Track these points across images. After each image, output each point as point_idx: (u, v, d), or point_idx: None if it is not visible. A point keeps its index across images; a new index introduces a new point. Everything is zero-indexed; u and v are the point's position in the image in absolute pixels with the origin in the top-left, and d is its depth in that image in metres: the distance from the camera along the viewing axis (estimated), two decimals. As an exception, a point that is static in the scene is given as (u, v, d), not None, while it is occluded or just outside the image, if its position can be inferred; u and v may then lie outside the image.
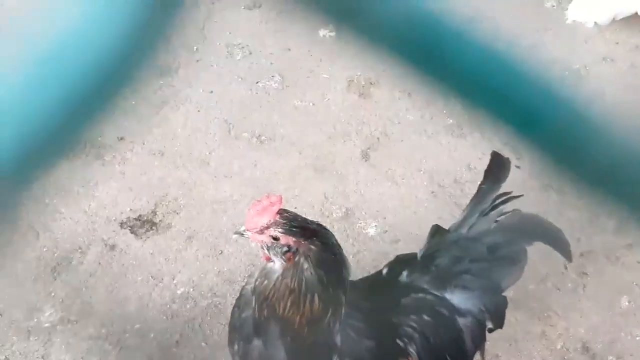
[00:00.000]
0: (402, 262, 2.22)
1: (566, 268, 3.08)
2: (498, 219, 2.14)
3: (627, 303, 3.01)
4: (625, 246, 3.17)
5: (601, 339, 2.90)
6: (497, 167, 2.17)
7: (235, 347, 2.03)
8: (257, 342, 1.94)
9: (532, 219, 2.20)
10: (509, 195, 2.14)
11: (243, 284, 2.09)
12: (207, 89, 3.77)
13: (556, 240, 2.21)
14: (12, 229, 3.16)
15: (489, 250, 2.14)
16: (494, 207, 2.13)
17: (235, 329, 2.02)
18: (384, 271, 2.22)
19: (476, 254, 2.15)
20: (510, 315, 2.92)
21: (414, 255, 2.20)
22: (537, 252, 3.10)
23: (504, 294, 2.26)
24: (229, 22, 4.08)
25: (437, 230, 2.20)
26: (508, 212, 2.15)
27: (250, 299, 1.94)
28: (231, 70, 3.88)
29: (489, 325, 2.24)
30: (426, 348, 2.09)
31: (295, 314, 1.84)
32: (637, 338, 2.92)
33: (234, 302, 2.09)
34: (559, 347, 2.87)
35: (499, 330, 2.85)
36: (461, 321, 2.17)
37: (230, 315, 2.08)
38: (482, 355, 2.26)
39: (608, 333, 2.92)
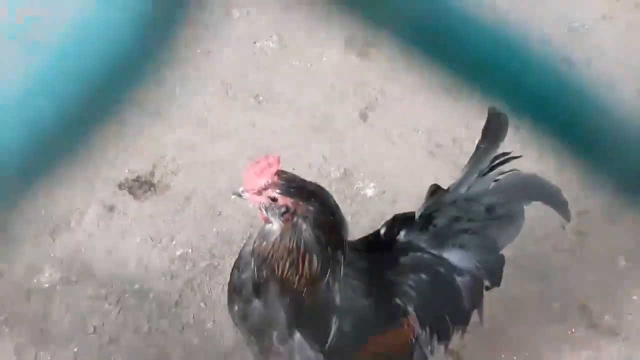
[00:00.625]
0: (399, 221, 2.21)
1: (564, 228, 3.09)
2: (497, 179, 2.13)
3: (624, 263, 3.02)
4: (622, 205, 3.18)
5: (598, 299, 2.92)
6: (494, 125, 2.16)
7: (235, 308, 2.04)
8: (256, 303, 1.95)
9: (531, 178, 2.19)
10: (508, 156, 2.13)
11: (242, 245, 2.10)
12: (205, 49, 3.74)
13: (555, 200, 2.21)
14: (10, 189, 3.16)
15: (487, 210, 2.14)
16: (492, 168, 2.13)
17: (235, 290, 2.02)
18: (382, 231, 2.22)
19: (474, 214, 2.14)
20: (507, 276, 2.92)
21: (411, 214, 2.20)
22: (535, 212, 3.11)
23: (501, 252, 2.27)
24: (227, -19, 4.04)
25: (435, 190, 2.20)
26: (507, 172, 2.15)
27: (250, 260, 1.94)
28: (229, 30, 3.85)
29: (487, 283, 2.25)
30: (424, 307, 2.10)
31: (294, 274, 1.85)
32: (634, 297, 2.94)
33: (232, 263, 2.09)
34: (556, 307, 2.89)
35: (496, 291, 2.87)
36: (459, 280, 2.18)
37: (229, 276, 2.08)
38: (480, 314, 2.27)
39: (605, 293, 2.94)
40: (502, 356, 2.77)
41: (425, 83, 3.63)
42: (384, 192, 3.20)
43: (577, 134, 3.43)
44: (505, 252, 2.96)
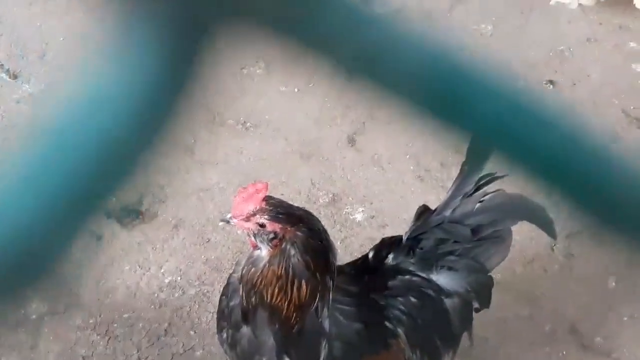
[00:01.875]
0: (387, 245, 2.22)
1: (553, 250, 3.09)
2: (482, 199, 2.14)
3: (614, 284, 3.02)
4: (612, 227, 3.17)
5: (589, 320, 2.91)
6: (479, 145, 2.16)
7: (224, 335, 2.04)
8: (245, 330, 1.95)
9: (516, 198, 2.19)
10: (493, 176, 2.14)
11: (231, 271, 2.09)
12: (190, 74, 3.74)
13: (541, 219, 2.20)
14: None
15: (473, 232, 2.14)
16: (477, 188, 2.13)
17: (224, 317, 2.02)
18: (370, 255, 2.22)
19: (460, 237, 2.14)
20: (498, 298, 2.92)
21: (399, 237, 2.20)
22: (523, 234, 3.12)
23: (490, 274, 2.26)
24: (212, 8, 4.05)
25: (423, 211, 2.20)
26: (492, 192, 2.15)
27: (238, 287, 1.94)
28: (214, 57, 3.84)
29: (476, 305, 2.24)
30: (414, 329, 2.09)
31: (283, 300, 1.84)
32: (625, 318, 2.93)
33: (221, 289, 2.09)
34: (547, 328, 2.88)
35: (487, 313, 2.86)
36: (448, 302, 2.18)
37: (218, 303, 2.08)
38: (470, 335, 2.27)
39: (596, 314, 2.93)
40: (494, 379, 2.76)
41: (413, 108, 3.63)
42: (373, 216, 3.20)
43: (565, 157, 3.44)
44: (495, 274, 2.96)
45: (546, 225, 2.21)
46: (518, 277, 2.99)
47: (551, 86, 3.75)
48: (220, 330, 2.07)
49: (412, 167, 3.39)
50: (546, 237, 3.11)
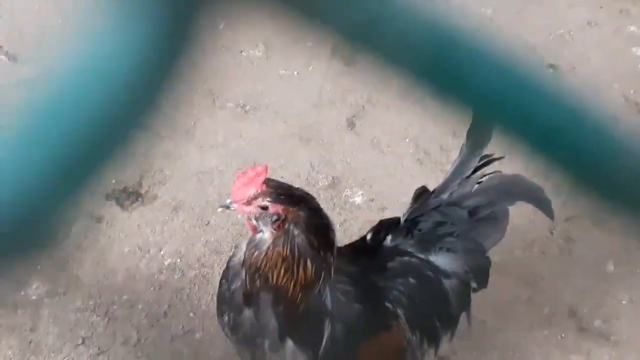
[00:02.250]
0: (385, 226, 2.23)
1: (552, 233, 3.10)
2: (479, 181, 2.14)
3: (613, 267, 3.03)
4: (611, 210, 3.18)
5: (587, 304, 2.92)
6: (479, 128, 2.16)
7: (225, 318, 2.03)
8: (247, 313, 1.95)
9: (513, 179, 2.19)
10: (490, 157, 2.14)
11: (230, 254, 2.09)
12: (190, 58, 3.73)
13: (538, 199, 2.21)
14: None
15: (470, 214, 2.15)
16: (475, 170, 2.13)
17: (225, 301, 2.02)
18: (368, 236, 2.23)
19: (457, 219, 2.15)
20: (496, 281, 2.93)
21: (397, 219, 2.21)
22: (522, 217, 3.12)
23: (487, 254, 2.27)
24: (212, -10, 4.03)
25: (421, 193, 2.21)
26: (489, 174, 2.15)
27: (239, 270, 1.94)
28: (214, 39, 3.83)
29: (474, 285, 2.25)
30: (413, 310, 2.10)
31: (290, 280, 1.84)
32: (623, 302, 2.94)
33: (221, 272, 2.09)
34: (545, 311, 2.89)
35: (485, 296, 2.87)
36: (446, 283, 2.19)
37: (218, 286, 2.08)
38: (469, 316, 2.28)
39: (594, 297, 2.94)
40: (493, 362, 2.77)
41: (412, 90, 3.63)
42: (372, 199, 3.20)
43: (564, 139, 3.44)
44: (494, 257, 2.97)
45: (543, 205, 2.22)
46: (517, 260, 3.00)
47: (551, 70, 3.74)
48: (221, 314, 2.07)
49: (411, 151, 3.39)
50: (545, 220, 3.13)
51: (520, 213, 3.13)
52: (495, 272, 2.95)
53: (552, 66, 3.74)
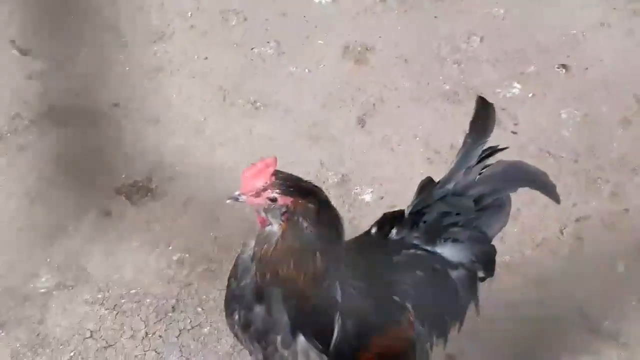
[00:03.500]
0: (389, 219, 2.21)
1: (562, 234, 3.09)
2: (482, 170, 2.13)
3: (623, 268, 3.02)
4: (621, 211, 3.17)
5: (597, 304, 2.91)
6: (482, 117, 2.15)
7: (236, 317, 2.01)
8: (259, 309, 1.92)
9: (516, 165, 2.18)
10: (494, 148, 2.13)
11: (239, 250, 2.08)
12: (202, 55, 3.74)
13: (542, 184, 2.19)
14: (7, 195, 3.15)
15: (475, 202, 2.13)
16: (479, 161, 2.12)
17: (235, 298, 2.00)
18: (373, 230, 2.22)
19: (463, 209, 2.13)
20: (506, 281, 2.92)
21: (401, 212, 2.19)
22: (532, 217, 3.12)
23: (492, 242, 2.25)
24: (224, -13, 4.04)
25: (427, 183, 2.20)
26: (492, 163, 2.14)
27: (249, 266, 1.92)
28: (226, 36, 3.85)
29: (481, 274, 2.23)
30: (422, 303, 2.08)
31: (300, 273, 1.82)
32: (633, 303, 2.93)
33: (230, 268, 2.07)
34: (555, 312, 2.88)
35: (495, 296, 2.86)
36: (454, 274, 2.17)
37: (226, 285, 2.06)
38: (477, 306, 2.26)
39: (605, 298, 2.93)
40: (502, 361, 2.76)
41: (423, 89, 3.63)
42: (382, 197, 3.20)
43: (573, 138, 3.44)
44: (504, 257, 2.97)
45: (548, 190, 2.19)
46: (527, 260, 2.99)
47: (563, 70, 3.73)
48: (230, 313, 2.04)
49: (421, 149, 3.38)
50: (556, 220, 3.12)
51: (530, 213, 3.13)
52: (505, 272, 2.95)
53: (564, 66, 3.72)
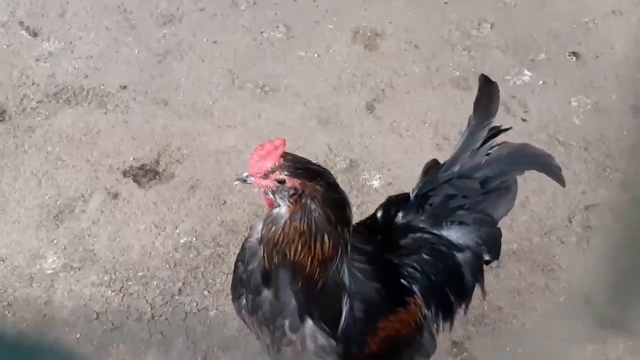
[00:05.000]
0: (395, 203, 2.20)
1: (571, 222, 3.07)
2: (489, 152, 2.11)
3: (630, 258, 3.01)
4: (630, 200, 3.16)
5: (604, 293, 2.90)
6: (486, 97, 2.14)
7: (243, 301, 2.00)
8: (267, 293, 1.92)
9: (522, 148, 2.17)
10: (498, 129, 2.12)
11: (246, 234, 2.07)
12: (211, 38, 3.73)
13: (548, 166, 2.17)
14: (15, 176, 3.15)
15: (481, 184, 2.12)
16: (484, 142, 2.11)
17: (242, 283, 1.99)
18: (379, 214, 2.21)
19: (469, 191, 2.12)
20: (514, 268, 2.92)
21: (406, 195, 2.18)
22: (541, 205, 3.11)
23: (498, 225, 2.24)
24: (234, -29, 4.03)
25: (431, 166, 2.19)
26: (498, 145, 2.13)
27: (256, 250, 1.91)
28: (235, 20, 3.83)
29: (487, 257, 2.22)
30: (428, 286, 2.09)
31: (307, 256, 1.81)
32: (640, 292, 2.92)
33: (236, 252, 2.06)
34: (561, 300, 2.87)
35: (502, 283, 2.86)
36: (460, 256, 2.17)
37: (233, 269, 2.05)
38: (482, 288, 2.25)
39: (611, 287, 2.92)
40: (507, 348, 2.75)
41: (432, 75, 3.61)
42: (390, 183, 3.19)
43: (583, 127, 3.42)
44: (511, 244, 2.96)
45: (553, 172, 2.18)
46: (535, 247, 2.98)
47: (574, 58, 3.71)
48: (238, 297, 2.03)
49: (430, 136, 3.37)
50: (565, 208, 3.11)
51: (539, 201, 3.12)
52: (512, 259, 2.94)
53: (575, 54, 3.71)
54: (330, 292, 1.89)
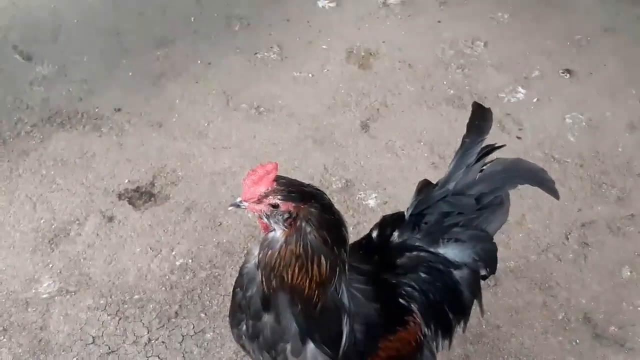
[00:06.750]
0: (390, 222, 2.20)
1: (567, 239, 3.07)
2: (482, 169, 2.12)
3: (628, 273, 3.00)
4: (626, 217, 3.16)
5: (602, 310, 2.89)
6: (479, 119, 2.15)
7: (243, 327, 1.98)
8: (267, 318, 1.90)
9: (515, 163, 2.17)
10: (492, 146, 2.12)
11: (242, 256, 2.05)
12: (205, 60, 3.74)
13: (541, 180, 2.17)
14: (10, 199, 3.14)
15: (476, 201, 2.12)
16: (478, 160, 2.11)
17: (241, 309, 1.97)
18: (374, 234, 2.20)
19: (464, 207, 2.12)
20: (511, 286, 2.91)
21: (401, 214, 2.18)
22: (537, 222, 3.10)
23: (493, 240, 2.23)
24: (227, -8, 4.04)
25: (424, 185, 2.18)
26: (490, 161, 2.13)
27: (254, 275, 1.89)
28: (229, 41, 3.84)
29: (483, 272, 2.22)
30: (427, 304, 2.08)
31: (305, 278, 1.80)
32: (639, 308, 2.90)
33: (233, 273, 2.05)
34: (560, 317, 2.86)
35: (500, 301, 2.85)
36: (457, 273, 2.16)
37: (231, 296, 2.03)
38: (481, 305, 2.24)
39: (609, 303, 2.91)
40: (506, 367, 2.74)
41: (427, 94, 3.62)
42: (386, 202, 3.18)
43: (579, 147, 3.42)
44: (509, 262, 2.95)
45: (547, 186, 2.18)
46: (532, 265, 2.97)
47: (568, 75, 3.72)
48: (237, 323, 2.01)
49: (426, 154, 3.37)
50: (561, 225, 3.11)
51: (535, 218, 3.11)
52: (509, 277, 2.93)
53: (568, 71, 3.72)
54: (330, 314, 1.87)
